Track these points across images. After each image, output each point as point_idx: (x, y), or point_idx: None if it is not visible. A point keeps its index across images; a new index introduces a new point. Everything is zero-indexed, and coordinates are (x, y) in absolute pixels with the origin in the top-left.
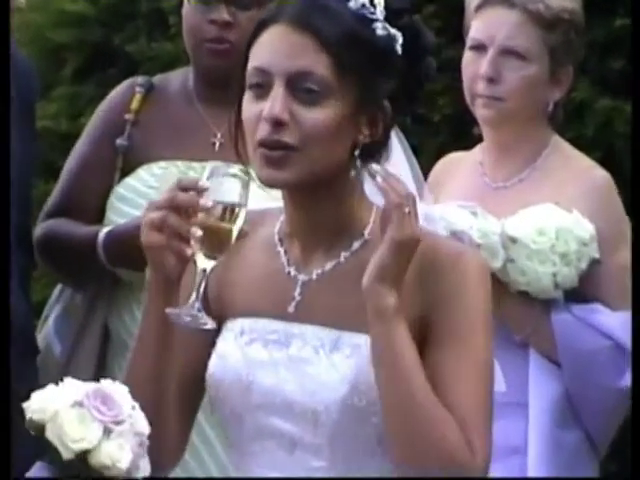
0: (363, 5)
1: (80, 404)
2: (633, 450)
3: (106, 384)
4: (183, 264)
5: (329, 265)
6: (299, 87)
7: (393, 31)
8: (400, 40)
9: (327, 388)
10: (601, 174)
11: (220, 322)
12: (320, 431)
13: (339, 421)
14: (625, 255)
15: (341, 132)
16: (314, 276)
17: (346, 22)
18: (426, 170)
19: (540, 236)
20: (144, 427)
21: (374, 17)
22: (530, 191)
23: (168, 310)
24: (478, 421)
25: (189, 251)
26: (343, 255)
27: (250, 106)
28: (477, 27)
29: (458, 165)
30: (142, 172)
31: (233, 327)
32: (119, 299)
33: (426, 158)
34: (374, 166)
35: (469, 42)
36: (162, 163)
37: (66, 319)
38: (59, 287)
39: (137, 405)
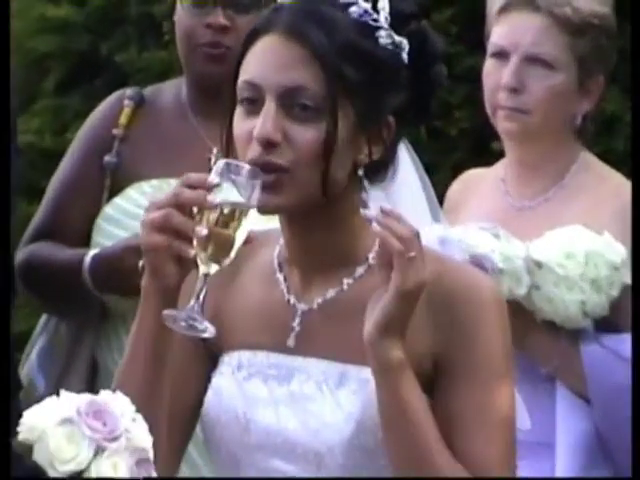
0: (365, 11)
1: (70, 421)
2: (633, 450)
3: (103, 395)
4: (184, 271)
5: (331, 293)
6: (292, 103)
7: (398, 39)
8: (406, 48)
9: (331, 428)
10: None
11: (216, 355)
12: (324, 474)
13: (344, 464)
14: None
15: (339, 152)
16: (315, 305)
17: (344, 31)
18: (442, 189)
19: (568, 260)
20: (145, 441)
21: (377, 24)
22: (557, 211)
23: (165, 312)
24: (501, 471)
25: (192, 252)
26: (346, 282)
27: (241, 123)
28: (499, 32)
29: (478, 183)
30: (132, 191)
31: (230, 361)
32: (108, 329)
33: (442, 176)
34: (367, 212)
35: (490, 49)
36: (153, 181)
37: (50, 352)
38: (43, 317)
39: (140, 417)
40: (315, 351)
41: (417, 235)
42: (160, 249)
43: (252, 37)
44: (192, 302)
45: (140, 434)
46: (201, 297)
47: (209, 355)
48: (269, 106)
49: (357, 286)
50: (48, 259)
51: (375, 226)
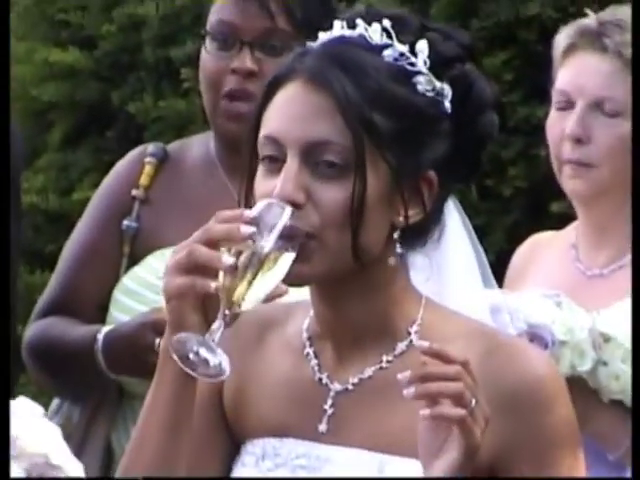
0: (401, 55)
1: None
2: (633, 450)
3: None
4: (206, 320)
5: (368, 372)
6: (316, 160)
7: (439, 85)
8: (449, 95)
9: None
10: None
11: (238, 443)
12: None
13: None
14: None
15: (372, 213)
16: (350, 385)
17: (375, 77)
18: (495, 254)
19: None
20: (39, 446)
21: (415, 69)
22: (630, 280)
23: (177, 336)
24: None
25: (214, 285)
26: (385, 359)
27: (262, 183)
28: (563, 77)
29: (546, 248)
30: (153, 260)
31: (254, 450)
32: (124, 412)
33: (495, 239)
34: (400, 376)
35: (555, 96)
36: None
37: (63, 436)
38: (56, 400)
39: (42, 422)
40: (350, 438)
41: (466, 363)
42: (183, 292)
43: (273, 86)
44: (214, 325)
45: (32, 440)
46: (217, 337)
47: (229, 439)
48: (291, 163)
49: (398, 363)
50: (60, 338)
51: (412, 392)
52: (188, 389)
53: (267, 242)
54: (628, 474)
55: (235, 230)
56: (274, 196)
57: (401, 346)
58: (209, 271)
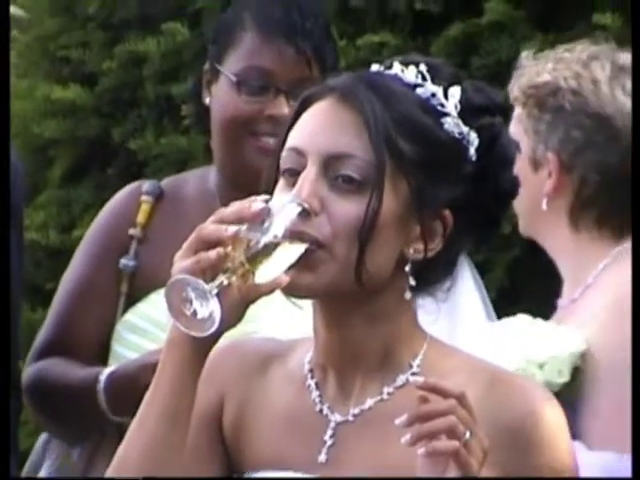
0: (433, 95)
1: None
2: (633, 450)
3: None
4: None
5: (369, 402)
6: (335, 173)
7: (466, 129)
8: (475, 143)
9: None
10: None
11: (237, 473)
12: None
13: None
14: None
15: (382, 234)
16: (350, 416)
17: (404, 104)
18: (497, 289)
19: None
20: None
21: (444, 110)
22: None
23: (178, 276)
24: None
25: (214, 252)
26: (387, 391)
27: (281, 195)
28: None
29: None
30: (157, 297)
31: None
32: None
33: (496, 275)
34: (397, 421)
35: None
36: None
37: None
38: (55, 441)
39: None
40: (350, 469)
41: (461, 396)
42: (190, 272)
43: (304, 104)
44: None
45: None
46: (224, 280)
47: (224, 462)
48: (309, 170)
49: (398, 395)
50: (61, 380)
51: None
52: (188, 383)
53: (275, 228)
54: None
55: (246, 207)
56: (290, 196)
57: (402, 378)
58: (215, 244)
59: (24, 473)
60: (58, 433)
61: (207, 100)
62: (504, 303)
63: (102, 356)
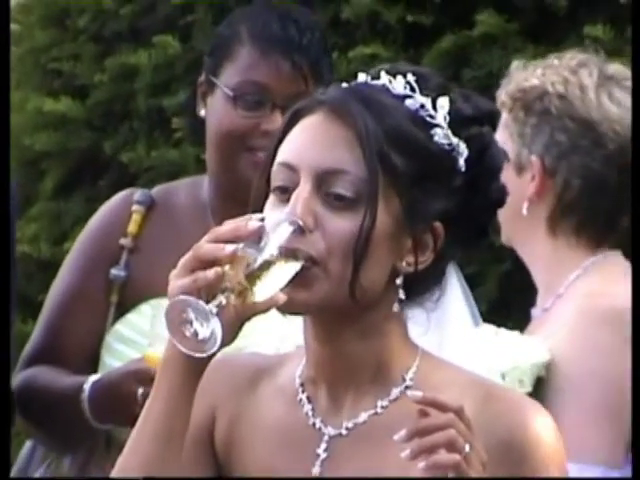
0: (422, 106)
1: None
2: (633, 450)
3: None
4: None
5: (363, 416)
6: (328, 189)
7: (456, 141)
8: (464, 154)
9: None
10: None
11: None
12: None
13: None
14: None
15: (376, 250)
16: (344, 430)
17: (395, 117)
18: (488, 301)
19: None
20: None
21: (434, 121)
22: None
23: (178, 297)
24: None
25: (212, 271)
26: (380, 404)
27: (271, 211)
28: None
29: None
30: (147, 308)
31: None
32: (116, 460)
33: (487, 289)
34: (396, 437)
35: None
36: None
37: None
38: (42, 450)
39: None
40: None
41: (460, 410)
42: (187, 291)
43: (294, 117)
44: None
45: None
46: (224, 300)
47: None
48: (303, 187)
49: (392, 409)
50: (47, 387)
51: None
52: (183, 402)
53: (271, 245)
54: None
55: (242, 226)
56: (284, 214)
57: (395, 392)
58: (212, 264)
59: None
60: (44, 441)
61: (202, 112)
62: (495, 316)
63: (92, 366)
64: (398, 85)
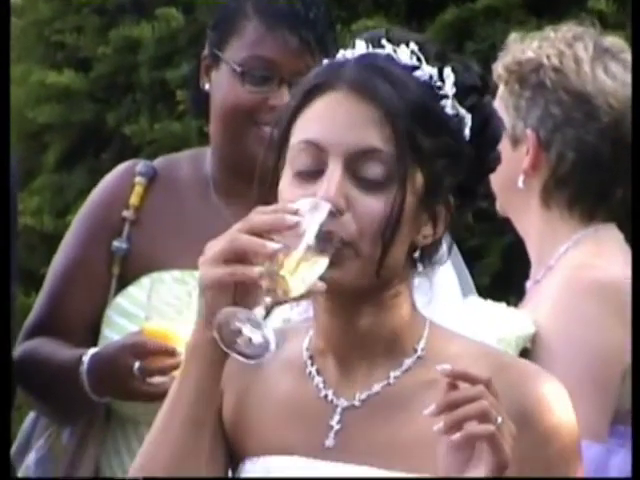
0: (431, 77)
1: None
2: (633, 450)
3: None
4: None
5: (376, 387)
6: (359, 168)
7: (462, 111)
8: (469, 123)
9: None
10: None
11: (236, 463)
12: None
13: None
14: None
15: (402, 227)
16: (357, 401)
17: (414, 91)
18: (491, 274)
19: None
20: None
21: (443, 93)
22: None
23: (224, 310)
24: None
25: (256, 270)
26: (393, 375)
27: (294, 189)
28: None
29: None
30: (148, 281)
31: (254, 469)
32: (115, 436)
33: (491, 261)
34: (426, 412)
35: None
36: (175, 272)
37: (52, 460)
38: (42, 422)
39: None
40: (357, 454)
41: (489, 382)
42: (223, 282)
43: (311, 93)
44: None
45: None
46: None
47: (227, 455)
48: (334, 169)
49: (405, 379)
50: (47, 359)
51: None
52: (213, 388)
53: (308, 236)
54: None
55: (280, 219)
56: (318, 196)
57: (408, 362)
58: (252, 258)
59: (13, 452)
60: (45, 412)
61: (206, 86)
62: (498, 288)
63: (93, 338)
64: (403, 55)
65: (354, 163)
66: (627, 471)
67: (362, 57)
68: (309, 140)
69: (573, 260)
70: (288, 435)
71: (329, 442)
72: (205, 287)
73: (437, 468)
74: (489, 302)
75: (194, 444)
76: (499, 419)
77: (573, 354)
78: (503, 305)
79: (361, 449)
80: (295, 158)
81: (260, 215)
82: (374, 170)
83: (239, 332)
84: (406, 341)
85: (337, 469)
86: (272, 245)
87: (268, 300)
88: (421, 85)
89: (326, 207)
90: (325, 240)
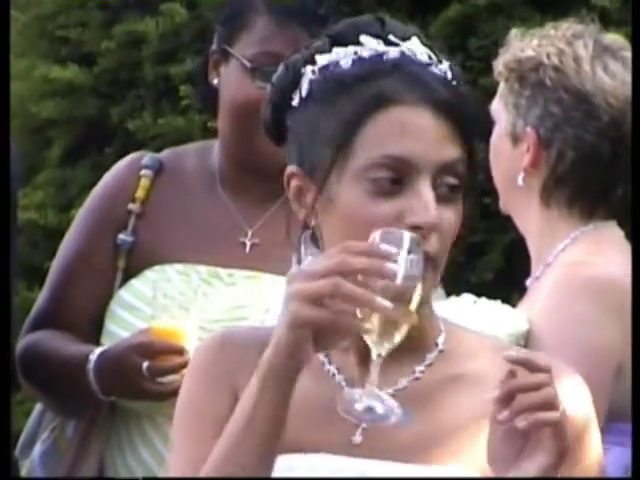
0: (445, 73)
1: None
2: (633, 450)
3: None
4: (317, 348)
5: (403, 382)
6: (441, 182)
7: None
8: None
9: None
10: None
11: None
12: None
13: None
14: None
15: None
16: None
17: (468, 100)
18: (493, 270)
19: None
20: None
21: (462, 89)
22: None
23: (344, 392)
24: None
25: (367, 326)
26: (418, 370)
27: (375, 207)
28: None
29: None
30: (152, 275)
31: (279, 467)
32: (119, 431)
33: (493, 258)
34: (489, 396)
35: None
36: (178, 266)
37: (55, 454)
38: (47, 416)
39: None
40: (386, 451)
41: (550, 369)
42: (319, 325)
43: (376, 104)
44: (368, 387)
45: None
46: (376, 381)
47: None
48: (424, 185)
49: (430, 374)
50: (53, 353)
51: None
52: (286, 409)
53: (416, 270)
54: None
55: (377, 267)
56: (421, 222)
57: (430, 357)
58: (354, 307)
59: (19, 445)
60: (48, 404)
61: (215, 81)
62: (501, 285)
63: (97, 331)
64: (422, 55)
65: (438, 177)
66: (622, 469)
67: (402, 64)
68: (396, 156)
69: (570, 257)
70: (315, 435)
71: (357, 439)
72: (295, 324)
73: (462, 461)
74: (483, 300)
75: (264, 464)
76: (562, 407)
77: (565, 352)
78: (498, 302)
79: (388, 445)
80: (369, 171)
81: (358, 259)
82: (451, 182)
83: (368, 408)
84: (428, 336)
85: (364, 466)
86: (384, 302)
87: (383, 353)
88: (448, 84)
89: (418, 241)
90: (420, 266)
